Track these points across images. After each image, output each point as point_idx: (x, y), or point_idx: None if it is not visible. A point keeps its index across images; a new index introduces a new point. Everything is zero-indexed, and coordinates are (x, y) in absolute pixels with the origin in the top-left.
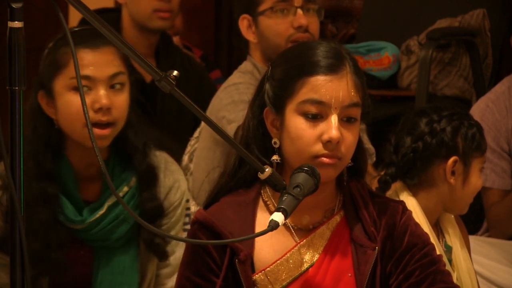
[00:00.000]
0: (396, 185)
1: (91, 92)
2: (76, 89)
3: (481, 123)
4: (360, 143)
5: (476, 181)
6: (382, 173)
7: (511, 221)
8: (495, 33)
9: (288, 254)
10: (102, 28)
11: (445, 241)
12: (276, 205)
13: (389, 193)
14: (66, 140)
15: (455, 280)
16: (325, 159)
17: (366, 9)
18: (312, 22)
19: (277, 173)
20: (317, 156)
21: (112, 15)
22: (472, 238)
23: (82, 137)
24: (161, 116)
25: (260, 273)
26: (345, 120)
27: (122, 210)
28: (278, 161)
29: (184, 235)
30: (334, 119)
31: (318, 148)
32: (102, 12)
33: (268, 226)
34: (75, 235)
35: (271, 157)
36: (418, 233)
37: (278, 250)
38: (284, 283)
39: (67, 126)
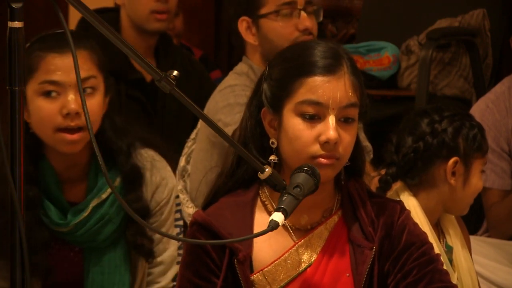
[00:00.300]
0: (397, 185)
1: (60, 97)
2: (45, 94)
3: (481, 124)
4: (358, 143)
5: (476, 182)
6: (383, 172)
7: (511, 221)
8: (495, 33)
9: (286, 254)
10: (102, 28)
11: (446, 242)
12: (274, 206)
13: (389, 193)
14: (45, 143)
15: (455, 281)
16: (323, 160)
17: (366, 9)
18: (314, 24)
19: (277, 173)
20: (315, 157)
21: (111, 15)
22: (472, 238)
23: (53, 142)
24: (161, 115)
25: (258, 273)
26: (343, 121)
27: (107, 211)
28: (276, 161)
29: (175, 231)
30: (331, 119)
31: (316, 148)
32: (101, 12)
33: (268, 226)
34: (61, 237)
35: (268, 157)
36: (416, 233)
37: (277, 250)
38: (282, 283)
39: (39, 130)
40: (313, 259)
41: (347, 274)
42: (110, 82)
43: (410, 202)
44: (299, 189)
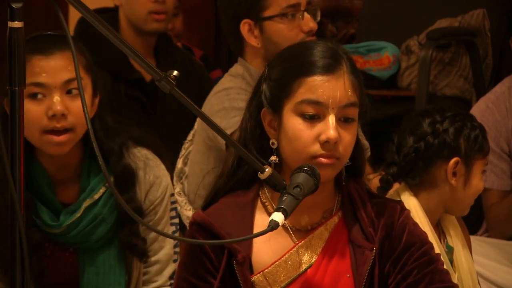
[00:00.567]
0: (398, 185)
1: (46, 99)
2: (31, 96)
3: (482, 125)
4: (358, 142)
5: (477, 183)
6: (383, 173)
7: (511, 222)
8: (495, 33)
9: (286, 255)
10: (102, 28)
11: (447, 242)
12: (274, 206)
13: (390, 193)
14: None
15: (456, 281)
16: (323, 160)
17: (366, 9)
18: (315, 25)
19: (277, 173)
20: (315, 157)
21: (109, 15)
22: (472, 238)
23: (40, 144)
24: (161, 115)
25: (258, 275)
26: (343, 120)
27: (100, 211)
28: (276, 161)
29: (171, 230)
30: (331, 119)
31: (316, 148)
32: (100, 12)
33: (268, 226)
34: (55, 239)
35: (269, 158)
36: (416, 233)
37: (277, 251)
38: (283, 284)
39: (26, 132)
40: (314, 260)
41: (348, 275)
42: (100, 83)
43: (411, 202)
44: (299, 189)
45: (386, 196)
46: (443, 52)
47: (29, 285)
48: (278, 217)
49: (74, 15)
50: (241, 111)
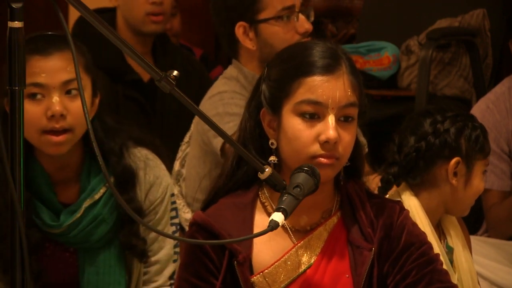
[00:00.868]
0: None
1: (45, 100)
2: (30, 96)
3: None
4: (357, 143)
5: (478, 183)
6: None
7: (510, 223)
8: (495, 33)
9: (286, 256)
10: (102, 28)
11: (447, 242)
12: (273, 207)
13: (391, 193)
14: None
15: (456, 282)
16: (322, 160)
17: (366, 9)
18: (310, 26)
19: (277, 173)
20: (314, 157)
21: (107, 16)
22: (472, 238)
23: (39, 144)
24: (161, 116)
25: (258, 275)
26: (342, 120)
27: (100, 211)
28: (275, 162)
29: (171, 230)
30: (331, 119)
31: (316, 148)
32: (98, 13)
33: (268, 226)
34: (55, 239)
35: (268, 158)
36: (415, 233)
37: (276, 252)
38: (283, 285)
39: (25, 132)
40: (313, 260)
41: (347, 275)
42: (100, 83)
43: (412, 202)
44: (299, 189)
45: (387, 196)
46: (443, 52)
47: (29, 285)
48: (278, 217)
49: (74, 15)
50: (235, 116)
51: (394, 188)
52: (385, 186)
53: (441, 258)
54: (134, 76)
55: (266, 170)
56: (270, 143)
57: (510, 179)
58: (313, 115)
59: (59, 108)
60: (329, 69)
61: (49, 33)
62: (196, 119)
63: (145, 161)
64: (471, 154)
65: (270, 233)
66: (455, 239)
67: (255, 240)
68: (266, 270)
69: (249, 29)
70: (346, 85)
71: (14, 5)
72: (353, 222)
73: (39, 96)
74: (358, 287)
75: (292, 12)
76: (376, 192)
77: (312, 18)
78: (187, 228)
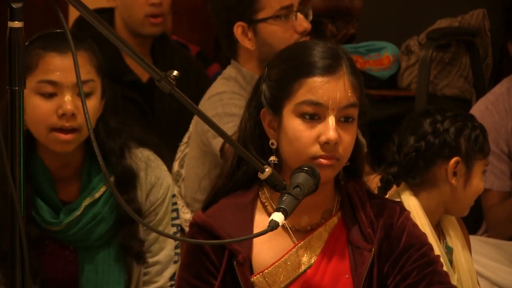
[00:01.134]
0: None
1: (57, 98)
2: (42, 93)
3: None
4: (357, 143)
5: (478, 183)
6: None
7: (510, 223)
8: (495, 33)
9: (286, 256)
10: (102, 28)
11: (446, 243)
12: (274, 207)
13: (391, 193)
14: (38, 141)
15: (455, 282)
16: (323, 160)
17: (366, 9)
18: (309, 24)
19: (277, 173)
20: (315, 157)
21: (105, 16)
22: (472, 238)
23: (46, 141)
24: (159, 116)
25: (258, 275)
26: (343, 120)
27: (100, 210)
28: (276, 162)
29: (172, 231)
30: (331, 120)
31: (316, 149)
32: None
33: (268, 226)
34: (54, 236)
35: (268, 158)
36: (415, 234)
37: (277, 252)
38: (283, 285)
39: (33, 129)
40: (313, 260)
41: (347, 276)
42: (107, 85)
43: (411, 202)
44: (299, 189)
45: (387, 195)
46: (443, 52)
47: (29, 285)
48: (278, 217)
49: (74, 15)
50: (234, 117)
51: (394, 188)
52: (385, 186)
53: (441, 259)
54: (133, 76)
55: (266, 170)
56: (270, 143)
57: (509, 179)
58: (314, 116)
59: (70, 107)
60: (329, 69)
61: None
62: (195, 120)
63: (146, 162)
64: (470, 154)
65: (270, 233)
66: (455, 239)
67: (255, 240)
68: (266, 270)
69: (247, 29)
70: (347, 85)
71: (14, 5)
72: (354, 223)
73: (51, 93)
74: (358, 287)
75: (290, 11)
76: (376, 192)
77: (310, 17)
78: (186, 229)
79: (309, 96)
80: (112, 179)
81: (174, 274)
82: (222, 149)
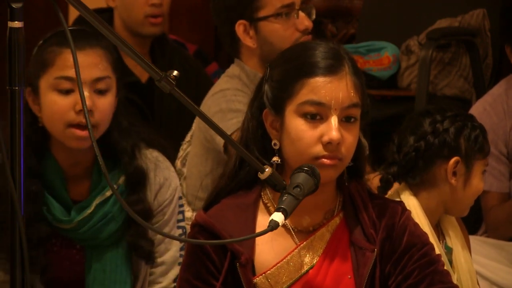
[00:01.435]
0: (398, 184)
1: (74, 94)
2: (59, 89)
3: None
4: (360, 143)
5: (477, 183)
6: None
7: (509, 225)
8: (495, 33)
9: (288, 257)
10: (102, 29)
11: (446, 243)
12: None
13: (390, 193)
14: (51, 139)
15: (455, 282)
16: (325, 160)
17: (366, 9)
18: (311, 23)
19: (277, 173)
20: (317, 158)
21: (105, 16)
22: (472, 238)
23: (63, 137)
24: (159, 117)
25: (261, 276)
26: (345, 120)
27: (110, 209)
28: (278, 162)
29: (177, 233)
30: (334, 120)
31: (319, 149)
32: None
33: (268, 226)
34: (64, 234)
35: (271, 159)
36: (417, 233)
37: (279, 253)
38: (285, 286)
39: (50, 125)
40: (315, 261)
41: (349, 276)
42: (121, 83)
43: (411, 202)
44: (299, 189)
45: (386, 195)
46: (443, 52)
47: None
48: (278, 217)
49: (74, 15)
50: (238, 112)
51: (394, 187)
52: (385, 185)
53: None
54: (132, 77)
55: (266, 170)
56: (272, 143)
57: (508, 180)
58: (316, 116)
59: (88, 103)
60: (331, 70)
61: (83, 28)
62: (198, 117)
63: (155, 162)
64: (470, 154)
65: (272, 233)
66: (454, 240)
67: (257, 240)
68: (268, 271)
69: (249, 27)
70: (349, 85)
71: (14, 5)
72: (356, 223)
73: (68, 90)
74: None
75: (292, 10)
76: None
77: (313, 17)
78: (187, 226)
79: (311, 96)
80: (122, 178)
81: (178, 276)
82: (226, 145)
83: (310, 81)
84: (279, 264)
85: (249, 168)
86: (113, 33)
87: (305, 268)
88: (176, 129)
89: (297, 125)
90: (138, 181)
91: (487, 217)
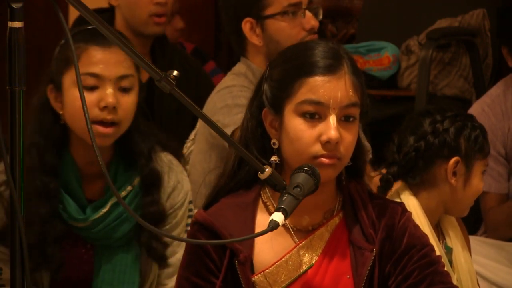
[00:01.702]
0: (398, 184)
1: (99, 90)
2: (84, 86)
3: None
4: (359, 143)
5: (477, 183)
6: (384, 171)
7: (509, 226)
8: (495, 33)
9: (287, 256)
10: (103, 29)
11: (445, 243)
12: (275, 206)
13: (390, 193)
14: (71, 136)
15: (455, 282)
16: (324, 160)
17: (366, 9)
18: (317, 23)
19: (277, 173)
20: (316, 157)
21: (106, 16)
22: (472, 238)
23: (86, 134)
24: (159, 116)
25: (259, 275)
26: (344, 120)
27: (125, 209)
28: (277, 161)
29: (185, 236)
30: (332, 119)
31: (317, 148)
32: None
33: (268, 226)
34: (77, 233)
35: (270, 158)
36: (417, 235)
37: (278, 251)
38: (283, 285)
39: (72, 121)
40: (314, 260)
41: (348, 276)
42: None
43: (411, 202)
44: (299, 189)
45: (386, 195)
46: (443, 52)
47: (28, 282)
48: (278, 217)
49: (74, 15)
50: (244, 108)
51: (394, 187)
52: (385, 185)
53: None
54: None
55: (266, 170)
56: (272, 143)
57: (507, 181)
58: (315, 115)
59: (112, 100)
60: (330, 69)
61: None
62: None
63: (169, 165)
64: (470, 154)
65: (271, 232)
66: (454, 240)
67: (257, 239)
68: (267, 270)
69: (255, 25)
70: (348, 85)
71: (14, 5)
72: (355, 223)
73: (93, 86)
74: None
75: (299, 9)
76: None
77: (320, 17)
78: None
79: (310, 96)
80: (137, 180)
81: None
82: (232, 136)
83: (309, 80)
84: (278, 263)
85: (248, 167)
86: (113, 33)
87: (304, 267)
88: (176, 129)
89: (296, 125)
90: (152, 183)
91: (486, 218)
